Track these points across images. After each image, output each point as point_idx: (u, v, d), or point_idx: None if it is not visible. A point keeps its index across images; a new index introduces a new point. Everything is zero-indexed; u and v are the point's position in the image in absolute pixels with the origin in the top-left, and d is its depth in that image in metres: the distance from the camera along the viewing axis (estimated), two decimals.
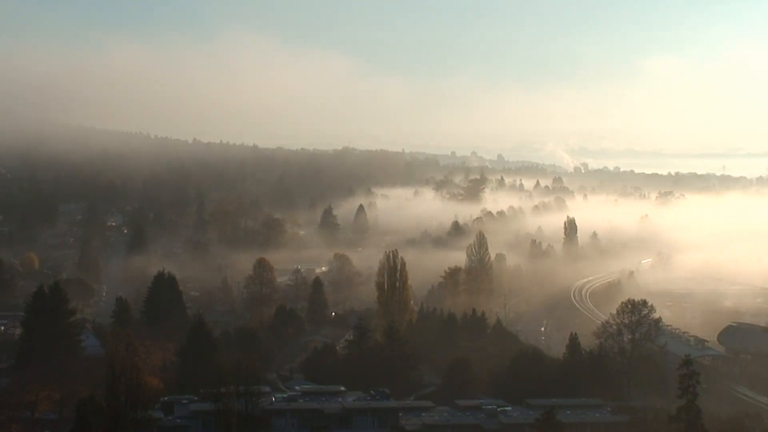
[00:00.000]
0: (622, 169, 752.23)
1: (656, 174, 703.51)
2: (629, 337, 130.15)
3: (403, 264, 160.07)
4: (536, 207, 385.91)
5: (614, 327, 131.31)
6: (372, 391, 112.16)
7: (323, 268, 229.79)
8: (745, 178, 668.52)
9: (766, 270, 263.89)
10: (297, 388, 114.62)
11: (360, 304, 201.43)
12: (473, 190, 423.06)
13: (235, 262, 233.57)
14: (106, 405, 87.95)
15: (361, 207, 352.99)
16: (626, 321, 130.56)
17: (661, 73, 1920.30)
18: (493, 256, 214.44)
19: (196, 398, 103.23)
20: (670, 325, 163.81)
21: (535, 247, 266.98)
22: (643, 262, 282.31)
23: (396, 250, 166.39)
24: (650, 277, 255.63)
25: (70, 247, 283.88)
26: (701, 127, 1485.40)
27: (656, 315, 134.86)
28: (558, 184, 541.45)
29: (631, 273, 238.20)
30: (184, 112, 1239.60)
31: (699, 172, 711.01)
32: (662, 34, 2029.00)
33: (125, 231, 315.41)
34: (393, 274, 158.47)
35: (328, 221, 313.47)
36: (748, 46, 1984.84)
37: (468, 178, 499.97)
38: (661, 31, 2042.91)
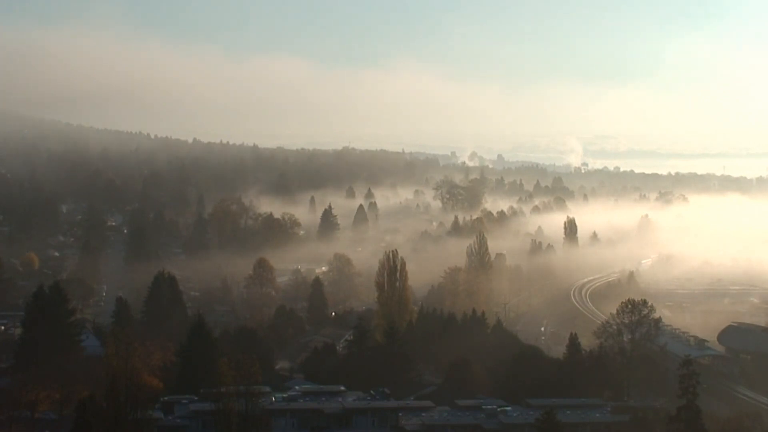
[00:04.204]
0: (622, 169, 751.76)
1: (656, 174, 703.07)
2: (629, 337, 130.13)
3: (403, 264, 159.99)
4: (536, 207, 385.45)
5: (614, 327, 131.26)
6: (372, 391, 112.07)
7: (323, 268, 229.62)
8: (745, 178, 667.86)
9: (766, 270, 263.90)
10: (297, 388, 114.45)
11: (360, 304, 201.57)
12: (473, 190, 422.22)
13: (235, 262, 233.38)
14: (106, 405, 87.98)
15: (361, 207, 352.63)
16: (626, 321, 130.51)
17: (661, 73, 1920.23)
18: (493, 256, 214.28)
19: (196, 398, 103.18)
20: (670, 325, 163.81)
21: (535, 247, 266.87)
22: (643, 262, 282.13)
23: (396, 250, 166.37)
24: (650, 277, 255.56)
25: (70, 247, 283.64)
26: (701, 127, 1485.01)
27: (656, 315, 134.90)
28: (558, 184, 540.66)
29: (631, 273, 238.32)
30: (184, 112, 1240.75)
31: (699, 172, 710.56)
32: (662, 35, 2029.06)
33: (125, 231, 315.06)
34: (393, 274, 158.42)
35: (327, 221, 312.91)
36: (749, 45, 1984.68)
37: (468, 178, 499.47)
38: (662, 31, 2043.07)
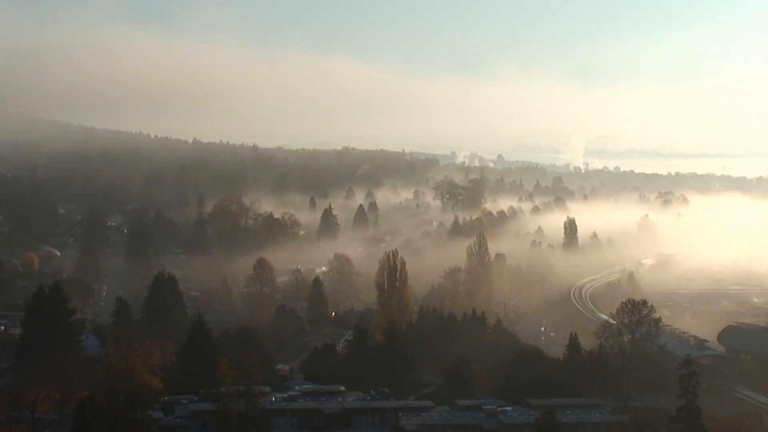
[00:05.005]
0: (622, 169, 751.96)
1: (656, 174, 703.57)
2: (629, 337, 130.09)
3: (403, 264, 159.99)
4: (536, 207, 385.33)
5: (614, 327, 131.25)
6: (372, 391, 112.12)
7: (323, 268, 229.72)
8: (745, 178, 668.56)
9: (766, 270, 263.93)
10: (297, 388, 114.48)
11: (360, 304, 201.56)
12: (473, 190, 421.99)
13: (235, 262, 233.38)
14: (106, 405, 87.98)
15: (361, 207, 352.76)
16: (626, 321, 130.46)
17: (661, 73, 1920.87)
18: (493, 256, 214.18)
19: (196, 398, 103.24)
20: (670, 325, 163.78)
21: (535, 247, 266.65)
22: (643, 262, 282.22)
23: (396, 250, 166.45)
24: (650, 277, 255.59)
25: (70, 247, 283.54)
26: (701, 127, 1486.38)
27: (656, 315, 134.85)
28: (558, 184, 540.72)
29: (631, 273, 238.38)
30: (184, 112, 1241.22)
31: (699, 172, 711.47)
32: (663, 34, 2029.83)
33: (125, 231, 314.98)
34: (393, 274, 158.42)
35: (328, 221, 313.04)
36: (749, 45, 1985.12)
37: (468, 178, 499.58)
38: (662, 31, 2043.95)
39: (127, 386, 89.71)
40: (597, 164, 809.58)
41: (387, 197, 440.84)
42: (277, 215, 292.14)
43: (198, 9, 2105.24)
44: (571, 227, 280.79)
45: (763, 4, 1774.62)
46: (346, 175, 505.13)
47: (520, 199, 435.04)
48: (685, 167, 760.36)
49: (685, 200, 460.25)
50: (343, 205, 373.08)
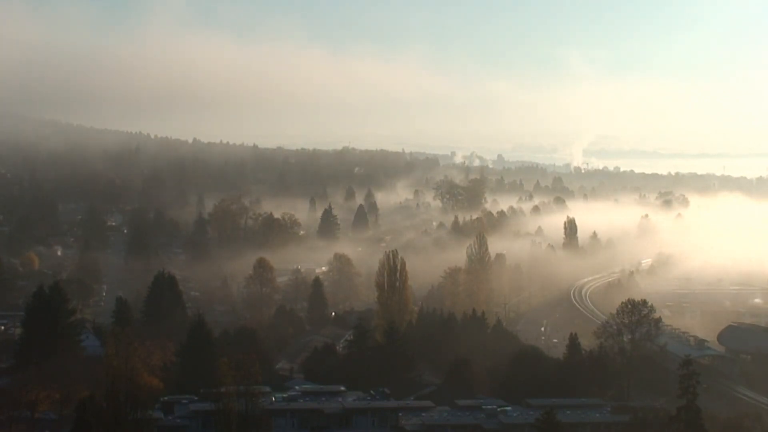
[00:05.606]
0: (622, 169, 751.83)
1: (656, 174, 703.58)
2: (629, 337, 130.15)
3: (403, 264, 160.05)
4: (536, 207, 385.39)
5: (614, 327, 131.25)
6: (372, 391, 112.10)
7: (323, 268, 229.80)
8: (745, 178, 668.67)
9: (766, 270, 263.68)
10: (297, 388, 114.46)
11: (360, 304, 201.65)
12: (473, 190, 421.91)
13: (235, 262, 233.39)
14: (106, 405, 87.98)
15: (361, 207, 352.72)
16: (626, 321, 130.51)
17: (662, 73, 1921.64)
18: (493, 256, 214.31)
19: (196, 398, 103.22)
20: (670, 325, 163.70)
21: (535, 247, 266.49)
22: (643, 262, 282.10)
23: (396, 250, 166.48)
24: (650, 277, 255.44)
25: (70, 247, 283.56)
26: (701, 127, 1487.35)
27: (656, 315, 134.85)
28: (558, 184, 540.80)
29: (631, 273, 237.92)
30: (184, 112, 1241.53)
31: (699, 172, 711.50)
32: (662, 35, 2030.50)
33: (125, 231, 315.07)
34: (393, 274, 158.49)
35: (328, 221, 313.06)
36: (749, 46, 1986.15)
37: (468, 178, 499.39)
38: (662, 31, 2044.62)
39: (127, 386, 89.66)
40: (597, 164, 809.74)
41: (387, 197, 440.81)
42: (277, 215, 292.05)
43: (197, 8, 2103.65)
44: (571, 227, 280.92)
45: (764, 5, 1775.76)
46: (346, 175, 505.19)
47: (520, 199, 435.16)
48: (685, 167, 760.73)
49: (685, 200, 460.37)
50: (343, 205, 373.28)
